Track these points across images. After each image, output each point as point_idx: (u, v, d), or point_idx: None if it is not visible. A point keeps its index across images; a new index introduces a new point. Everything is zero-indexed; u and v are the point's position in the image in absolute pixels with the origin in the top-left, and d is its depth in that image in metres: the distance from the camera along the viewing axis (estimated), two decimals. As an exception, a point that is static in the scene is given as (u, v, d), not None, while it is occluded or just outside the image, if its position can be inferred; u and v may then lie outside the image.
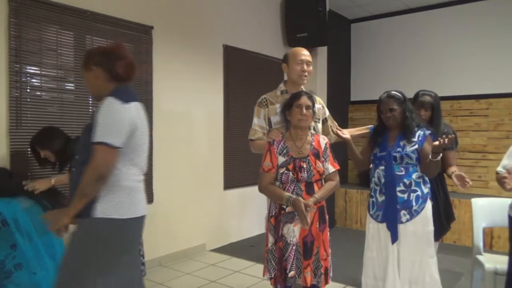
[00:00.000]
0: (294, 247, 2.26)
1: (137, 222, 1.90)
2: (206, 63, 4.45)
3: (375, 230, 2.51)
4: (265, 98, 2.63)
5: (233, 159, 4.79)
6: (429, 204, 2.47)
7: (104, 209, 1.77)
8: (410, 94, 2.97)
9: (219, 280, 3.63)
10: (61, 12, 3.19)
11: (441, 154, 2.28)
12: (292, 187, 2.27)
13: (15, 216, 2.49)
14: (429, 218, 2.46)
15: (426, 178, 2.49)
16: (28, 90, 3.04)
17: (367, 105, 6.14)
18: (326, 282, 2.35)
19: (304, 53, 2.59)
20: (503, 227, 2.97)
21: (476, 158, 5.45)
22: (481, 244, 2.89)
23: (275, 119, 2.57)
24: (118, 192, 1.81)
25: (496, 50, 5.29)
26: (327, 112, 2.79)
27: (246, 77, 4.93)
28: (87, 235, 1.78)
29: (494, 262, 2.71)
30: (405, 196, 2.42)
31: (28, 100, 3.04)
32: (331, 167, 2.36)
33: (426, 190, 2.47)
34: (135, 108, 1.87)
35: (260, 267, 3.41)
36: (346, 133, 2.68)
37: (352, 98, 6.60)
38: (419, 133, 2.46)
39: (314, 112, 2.38)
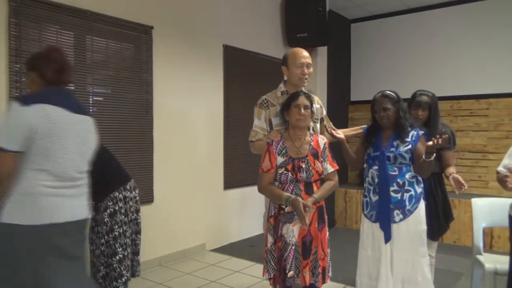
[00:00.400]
0: (293, 247, 2.27)
1: (53, 229, 1.82)
2: (206, 63, 4.46)
3: (369, 230, 2.51)
4: (266, 99, 2.60)
5: (233, 159, 4.79)
6: (422, 204, 2.48)
7: (9, 214, 1.76)
8: (410, 94, 2.97)
9: (219, 280, 3.63)
10: (61, 12, 3.19)
11: (434, 155, 2.29)
12: (291, 187, 2.27)
13: None
14: (422, 217, 2.47)
15: (419, 178, 2.50)
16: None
17: (367, 105, 6.00)
18: (324, 282, 2.35)
19: (304, 55, 2.54)
20: (503, 227, 2.97)
21: (476, 158, 5.45)
22: (481, 244, 2.90)
23: (276, 120, 2.55)
24: (24, 198, 1.77)
25: (496, 50, 5.30)
26: (324, 112, 2.79)
27: (246, 77, 4.93)
28: None
29: (494, 262, 2.71)
30: (399, 196, 2.43)
31: (28, 100, 3.03)
32: (330, 167, 2.36)
33: (419, 190, 2.48)
34: (41, 111, 1.79)
35: (260, 267, 3.41)
36: (341, 133, 2.68)
37: (352, 98, 6.60)
38: (413, 133, 2.47)
39: (312, 112, 2.39)
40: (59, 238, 1.86)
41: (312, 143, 2.36)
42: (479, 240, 2.90)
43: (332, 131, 2.66)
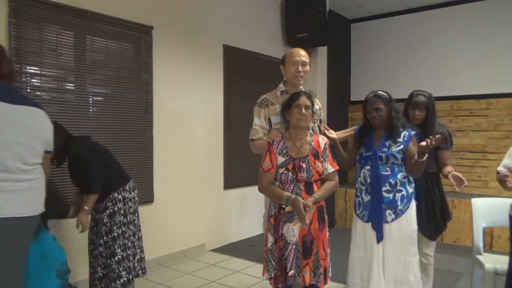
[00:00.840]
0: (293, 246, 2.27)
1: None
2: (206, 63, 4.45)
3: (362, 230, 2.51)
4: (265, 98, 2.63)
5: (233, 159, 4.79)
6: (413, 204, 2.49)
7: None
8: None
9: (219, 280, 3.63)
10: (61, 12, 3.19)
11: (426, 155, 2.29)
12: (292, 187, 2.28)
13: None
14: (413, 217, 2.48)
15: (411, 178, 2.50)
16: (28, 90, 3.04)
17: (367, 105, 6.13)
18: (325, 282, 2.35)
19: (300, 54, 2.58)
20: (503, 227, 2.98)
21: (476, 158, 5.45)
22: (481, 244, 2.90)
23: (276, 119, 2.58)
24: None
25: (496, 50, 5.30)
26: (322, 114, 2.81)
27: (246, 77, 4.93)
28: None
29: (494, 262, 2.71)
30: (391, 196, 2.43)
31: (28, 100, 3.03)
32: (330, 167, 2.37)
33: (411, 190, 2.48)
34: None
35: (260, 267, 3.41)
36: (333, 133, 2.68)
37: (352, 98, 6.60)
38: (404, 133, 2.47)
39: (313, 112, 2.39)
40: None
41: (312, 143, 2.36)
42: (479, 240, 2.90)
43: (325, 130, 2.66)
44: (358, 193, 2.57)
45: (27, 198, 1.90)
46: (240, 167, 4.86)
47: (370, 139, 2.52)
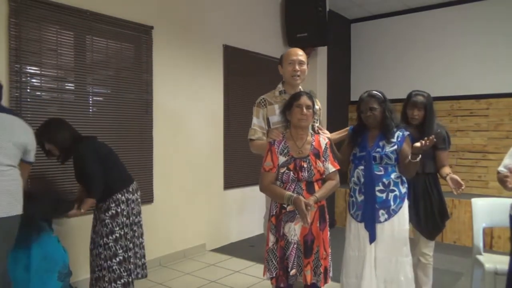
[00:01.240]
0: (295, 246, 2.28)
1: None
2: (206, 63, 4.45)
3: (355, 230, 2.51)
4: (263, 98, 2.65)
5: (233, 159, 4.79)
6: (406, 204, 2.49)
7: None
8: (410, 94, 2.97)
9: (219, 280, 3.63)
10: (61, 12, 3.19)
11: (420, 155, 2.30)
12: (293, 187, 2.28)
13: None
14: (406, 217, 2.48)
15: (404, 178, 2.50)
16: (28, 90, 3.04)
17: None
18: (325, 282, 2.36)
19: (297, 53, 2.59)
20: (503, 227, 2.98)
21: (476, 158, 5.45)
22: (481, 244, 2.90)
23: (274, 119, 2.59)
24: None
25: (496, 50, 5.30)
26: (321, 115, 2.82)
27: (246, 77, 4.93)
28: None
29: (494, 262, 2.71)
30: (384, 195, 2.43)
31: (28, 100, 3.04)
32: (331, 167, 2.37)
33: (404, 190, 2.48)
34: None
35: (260, 267, 3.41)
36: (327, 133, 2.68)
37: (352, 98, 6.59)
38: (398, 133, 2.47)
39: (314, 112, 2.39)
40: None
41: (313, 143, 2.37)
42: (479, 240, 2.90)
43: (319, 130, 2.66)
44: (352, 193, 2.58)
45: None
46: (240, 167, 4.86)
47: (364, 139, 2.53)
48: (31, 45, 3.02)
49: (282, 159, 2.32)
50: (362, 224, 2.47)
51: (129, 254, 2.71)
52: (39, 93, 3.11)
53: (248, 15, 5.00)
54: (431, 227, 2.82)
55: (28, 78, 3.04)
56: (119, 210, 2.67)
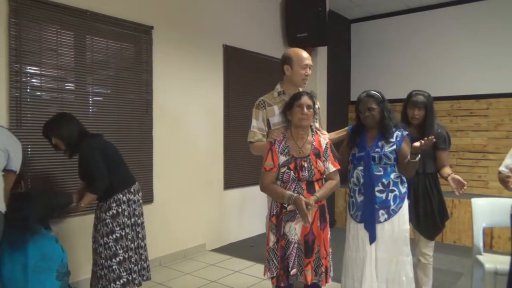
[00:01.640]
0: (295, 245, 2.28)
1: None
2: (206, 63, 4.45)
3: (355, 230, 2.51)
4: (262, 100, 2.66)
5: (233, 159, 4.79)
6: (406, 204, 2.49)
7: None
8: (410, 94, 2.97)
9: (219, 280, 3.63)
10: (61, 12, 3.19)
11: (419, 155, 2.29)
12: (294, 186, 2.28)
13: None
14: (406, 217, 2.48)
15: (404, 178, 2.50)
16: (28, 90, 3.04)
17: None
18: (327, 281, 2.36)
19: (309, 57, 2.63)
20: (503, 227, 2.98)
21: (476, 158, 5.46)
22: (481, 244, 2.90)
23: (274, 120, 2.59)
24: None
25: (496, 50, 5.30)
26: (320, 114, 2.83)
27: (246, 77, 4.93)
28: None
29: (494, 262, 2.71)
30: (383, 196, 2.43)
31: (28, 100, 3.03)
32: (331, 167, 2.37)
33: (403, 190, 2.48)
34: None
35: (260, 267, 3.42)
36: (325, 133, 2.68)
37: (352, 98, 6.59)
38: (397, 133, 2.47)
39: (315, 112, 2.40)
40: None
41: (314, 143, 2.37)
42: (479, 240, 2.90)
43: (317, 130, 2.67)
44: (352, 194, 2.57)
45: None
46: (240, 167, 4.86)
47: (363, 139, 2.52)
48: (31, 45, 3.02)
49: (282, 158, 2.32)
50: (362, 225, 2.46)
51: (130, 254, 2.71)
52: (39, 93, 3.11)
53: (248, 15, 5.00)
54: (431, 227, 2.82)
55: (28, 78, 3.04)
56: (120, 210, 2.67)
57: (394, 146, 2.44)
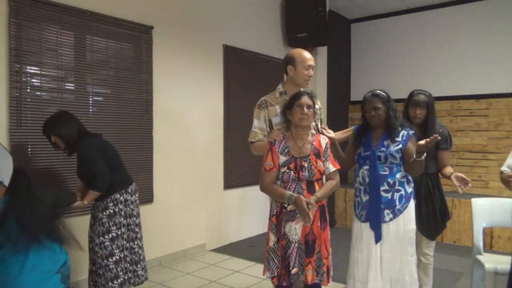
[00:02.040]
0: (296, 245, 2.28)
1: None
2: (206, 63, 4.45)
3: (360, 230, 2.50)
4: (264, 100, 2.66)
5: (233, 159, 4.79)
6: (412, 203, 2.48)
7: None
8: (410, 94, 2.97)
9: (219, 280, 3.63)
10: (61, 12, 3.19)
11: (425, 154, 2.29)
12: (294, 186, 2.28)
13: None
14: (412, 217, 2.47)
15: (410, 178, 2.49)
16: (28, 90, 3.04)
17: (367, 105, 6.13)
18: (328, 281, 2.36)
19: (311, 58, 2.64)
20: (503, 227, 2.98)
21: (476, 158, 5.46)
22: (481, 244, 2.90)
23: (276, 120, 2.59)
24: None
25: (496, 50, 5.30)
26: (322, 115, 2.83)
27: (246, 77, 4.93)
28: None
29: (494, 262, 2.71)
30: (389, 195, 2.43)
31: (28, 100, 3.03)
32: (331, 167, 2.37)
33: (409, 189, 2.47)
34: None
35: (260, 267, 3.41)
36: (331, 132, 2.68)
37: (352, 98, 6.60)
38: (403, 133, 2.46)
39: (315, 112, 2.40)
40: None
41: (314, 143, 2.37)
42: (479, 240, 2.90)
43: (323, 130, 2.67)
44: (357, 193, 2.57)
45: None
46: (240, 167, 4.86)
47: (369, 139, 2.52)
48: (31, 45, 3.02)
49: (282, 158, 2.32)
50: (366, 224, 2.46)
51: (126, 253, 2.71)
52: (39, 93, 3.11)
53: (248, 15, 5.00)
54: (433, 227, 2.82)
55: (28, 78, 3.04)
56: (117, 210, 2.67)
57: (400, 146, 2.43)
